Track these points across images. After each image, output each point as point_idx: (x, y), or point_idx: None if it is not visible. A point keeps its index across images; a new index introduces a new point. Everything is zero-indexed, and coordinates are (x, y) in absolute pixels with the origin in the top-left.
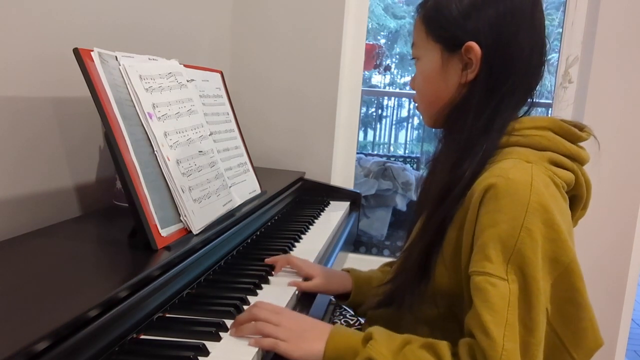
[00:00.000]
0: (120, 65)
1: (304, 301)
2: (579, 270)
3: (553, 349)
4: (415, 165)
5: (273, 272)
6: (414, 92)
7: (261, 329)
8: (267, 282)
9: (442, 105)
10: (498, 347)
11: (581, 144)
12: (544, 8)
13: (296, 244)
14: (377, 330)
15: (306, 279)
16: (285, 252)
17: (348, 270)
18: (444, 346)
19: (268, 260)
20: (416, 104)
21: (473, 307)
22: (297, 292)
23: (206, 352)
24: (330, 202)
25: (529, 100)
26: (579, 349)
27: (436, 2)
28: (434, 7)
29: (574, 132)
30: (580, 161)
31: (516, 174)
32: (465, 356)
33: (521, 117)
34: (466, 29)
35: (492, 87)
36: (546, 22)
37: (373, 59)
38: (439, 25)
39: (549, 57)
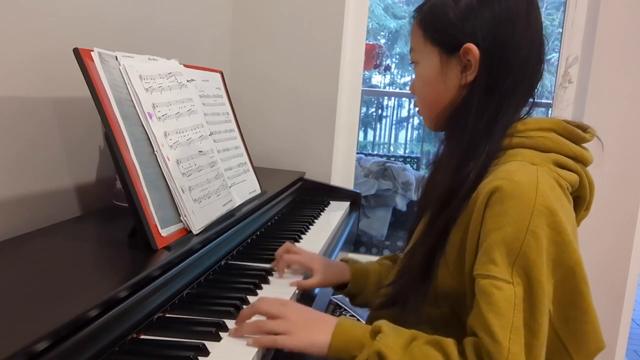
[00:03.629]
0: (120, 65)
1: (304, 301)
2: (583, 274)
3: (554, 350)
4: (415, 165)
5: (274, 273)
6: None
7: (261, 326)
8: (267, 282)
9: (442, 108)
10: (504, 351)
11: (584, 144)
12: (544, 8)
13: (296, 244)
14: (385, 324)
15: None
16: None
17: (346, 261)
18: (450, 343)
19: (274, 264)
20: (417, 108)
21: (478, 310)
22: (297, 292)
23: (206, 352)
24: (330, 202)
25: (530, 100)
26: (579, 352)
27: (432, 6)
28: (430, 11)
29: (577, 133)
30: (584, 162)
31: (522, 176)
32: (472, 355)
33: (524, 118)
34: (463, 31)
35: (491, 88)
36: (546, 22)
37: (373, 59)
38: (436, 28)
39: (549, 57)
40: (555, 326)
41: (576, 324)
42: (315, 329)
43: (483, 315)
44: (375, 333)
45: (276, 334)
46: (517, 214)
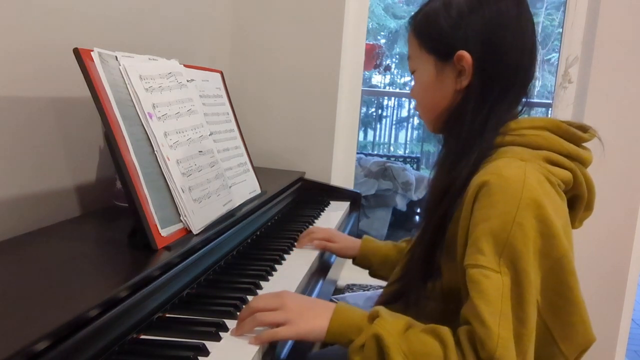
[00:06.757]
0: (120, 65)
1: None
2: (571, 266)
3: (543, 340)
4: (415, 165)
5: (274, 273)
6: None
7: (260, 319)
8: (266, 281)
9: (440, 112)
10: (494, 336)
11: (585, 144)
12: (544, 8)
13: (296, 244)
14: (383, 310)
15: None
16: (285, 252)
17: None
18: (447, 331)
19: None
20: (418, 112)
21: (469, 299)
22: (296, 291)
23: (206, 352)
24: (330, 202)
25: (523, 99)
26: (568, 343)
27: (426, 15)
28: (424, 20)
29: (573, 132)
30: (580, 161)
31: (509, 171)
32: (466, 342)
33: (520, 117)
34: (456, 39)
35: (485, 91)
36: (546, 22)
37: (373, 59)
38: (430, 37)
39: (549, 57)
40: (544, 317)
41: (564, 315)
42: (313, 314)
43: (473, 303)
44: (373, 317)
45: (276, 325)
46: (504, 206)
